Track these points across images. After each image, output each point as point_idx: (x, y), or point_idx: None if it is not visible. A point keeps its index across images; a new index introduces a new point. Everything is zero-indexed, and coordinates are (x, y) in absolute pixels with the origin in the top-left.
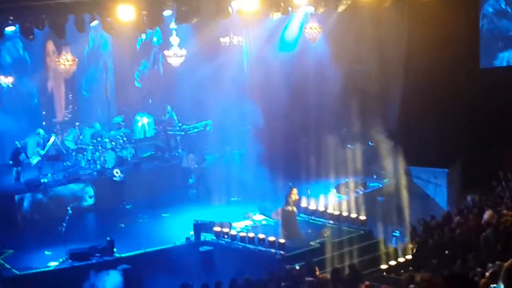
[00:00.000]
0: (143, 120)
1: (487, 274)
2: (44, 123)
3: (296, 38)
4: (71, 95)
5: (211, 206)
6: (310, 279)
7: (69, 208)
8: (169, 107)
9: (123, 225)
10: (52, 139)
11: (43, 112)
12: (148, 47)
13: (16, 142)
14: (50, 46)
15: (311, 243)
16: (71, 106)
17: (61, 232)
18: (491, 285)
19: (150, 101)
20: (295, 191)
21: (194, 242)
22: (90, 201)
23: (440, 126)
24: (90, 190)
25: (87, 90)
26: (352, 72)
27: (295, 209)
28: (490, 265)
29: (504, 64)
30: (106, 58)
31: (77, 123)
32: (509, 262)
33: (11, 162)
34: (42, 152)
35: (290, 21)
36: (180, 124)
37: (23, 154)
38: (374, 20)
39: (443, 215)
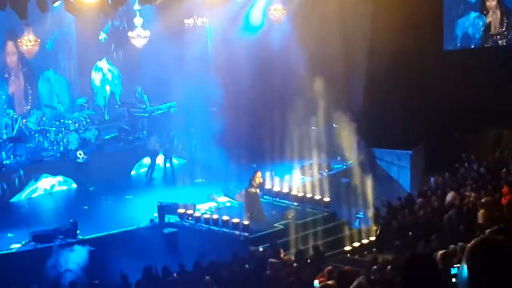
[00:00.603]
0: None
1: (438, 255)
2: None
3: (260, 19)
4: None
5: (175, 188)
6: (274, 260)
7: (31, 189)
8: (139, 88)
9: (86, 207)
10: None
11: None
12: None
13: None
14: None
15: (275, 224)
16: (29, 87)
17: (24, 214)
18: (455, 266)
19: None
20: (259, 174)
21: (158, 224)
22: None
23: (404, 109)
24: None
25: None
26: (316, 53)
27: (258, 191)
28: (452, 246)
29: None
30: (69, 37)
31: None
32: (472, 242)
33: None
34: (11, 134)
35: (254, 3)
36: (144, 106)
37: None
38: (339, 2)
39: (406, 197)
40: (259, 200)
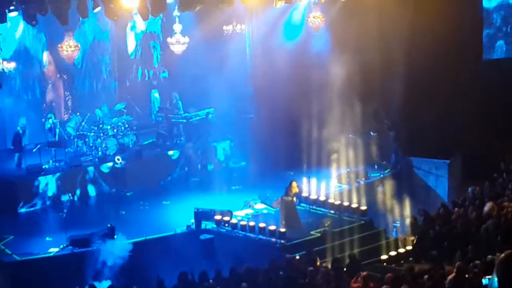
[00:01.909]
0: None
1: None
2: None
3: (299, 27)
4: (67, 83)
5: (212, 194)
6: (311, 268)
7: (69, 194)
8: (176, 94)
9: (123, 212)
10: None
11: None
12: None
13: (18, 128)
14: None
15: (312, 232)
16: (68, 93)
17: (62, 218)
18: (486, 277)
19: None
20: (294, 184)
21: (194, 230)
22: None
23: (442, 117)
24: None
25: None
26: (354, 61)
27: (294, 199)
28: (489, 257)
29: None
30: (109, 43)
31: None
32: (503, 254)
33: (11, 147)
34: (53, 138)
35: (293, 10)
36: (182, 112)
37: (24, 139)
38: (377, 9)
39: (442, 206)
40: (295, 208)
